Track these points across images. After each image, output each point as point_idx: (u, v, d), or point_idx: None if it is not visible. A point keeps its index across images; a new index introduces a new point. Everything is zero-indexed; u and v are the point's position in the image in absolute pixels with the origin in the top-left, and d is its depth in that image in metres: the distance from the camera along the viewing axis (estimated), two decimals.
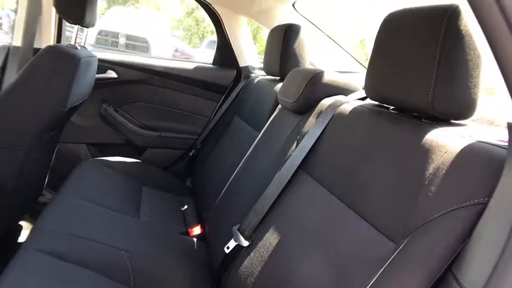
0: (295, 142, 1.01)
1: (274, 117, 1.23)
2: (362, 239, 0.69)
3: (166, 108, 1.96)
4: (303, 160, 0.93)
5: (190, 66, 1.95)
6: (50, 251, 0.93)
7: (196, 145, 1.93)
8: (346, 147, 0.84)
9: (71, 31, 1.55)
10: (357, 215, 0.73)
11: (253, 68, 1.96)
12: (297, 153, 0.96)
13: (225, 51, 1.95)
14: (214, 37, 2.07)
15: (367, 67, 0.81)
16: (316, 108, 1.02)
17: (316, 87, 1.04)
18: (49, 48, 1.10)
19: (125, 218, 1.26)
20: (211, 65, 2.02)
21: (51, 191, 1.90)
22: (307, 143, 0.94)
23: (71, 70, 1.10)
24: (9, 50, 1.62)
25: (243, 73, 1.93)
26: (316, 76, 1.04)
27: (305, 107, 1.05)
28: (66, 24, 1.75)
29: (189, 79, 1.94)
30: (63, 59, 1.11)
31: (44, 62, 1.09)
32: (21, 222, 1.57)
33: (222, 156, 1.60)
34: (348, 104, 0.94)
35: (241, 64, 1.94)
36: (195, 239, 1.34)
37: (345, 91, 1.07)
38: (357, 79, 1.12)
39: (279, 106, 1.26)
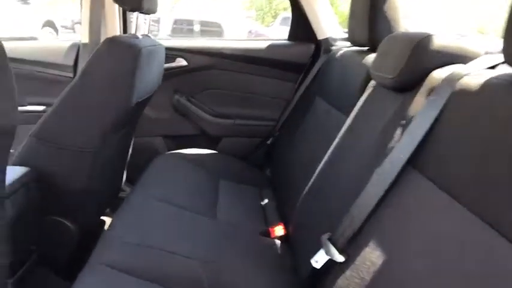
0: (399, 129, 0.79)
1: (366, 97, 1.01)
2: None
3: (239, 93, 1.82)
4: (412, 154, 0.71)
5: (262, 45, 1.78)
6: (118, 265, 0.85)
7: (274, 132, 1.78)
8: (475, 136, 0.61)
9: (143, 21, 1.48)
10: (496, 233, 0.51)
11: (335, 40, 1.72)
12: (403, 144, 0.74)
13: (301, 24, 1.74)
14: (287, 13, 1.87)
15: (506, 23, 0.56)
16: (426, 84, 0.78)
17: (424, 55, 0.80)
18: (107, 41, 1.02)
19: (201, 220, 1.16)
20: (285, 41, 1.83)
21: (130, 185, 1.90)
22: (417, 130, 0.72)
23: (132, 62, 1.01)
24: (79, 48, 1.61)
25: (322, 47, 1.71)
26: (423, 41, 0.80)
27: (410, 82, 0.82)
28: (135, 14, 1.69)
29: (263, 59, 1.77)
30: (122, 51, 1.01)
31: (103, 56, 1.01)
32: (104, 217, 1.58)
33: (304, 144, 1.42)
34: (473, 75, 0.69)
35: (320, 37, 1.72)
36: (277, 242, 1.20)
37: (463, 59, 0.81)
38: (476, 43, 0.85)
39: (372, 83, 1.03)
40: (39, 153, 1.05)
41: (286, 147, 1.58)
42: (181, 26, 7.31)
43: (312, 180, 1.11)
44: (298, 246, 1.08)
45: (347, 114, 1.14)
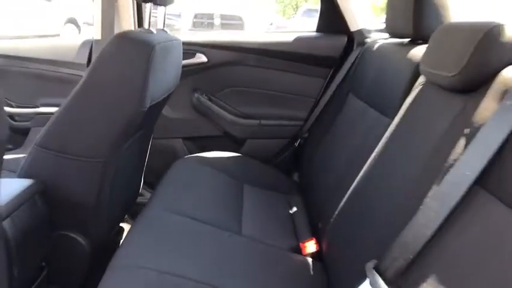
0: (462, 139, 0.66)
1: (415, 98, 0.88)
2: None
3: (264, 91, 1.71)
4: (482, 171, 0.58)
5: (289, 37, 1.66)
6: None
7: (302, 133, 1.66)
8: None
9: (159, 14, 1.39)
10: None
11: (369, 32, 1.58)
12: (469, 158, 0.61)
13: (331, 14, 1.61)
14: (309, 5, 1.74)
15: None
16: (496, 84, 0.65)
17: (493, 49, 0.66)
18: (117, 36, 0.92)
19: (223, 236, 1.06)
20: (314, 33, 1.70)
21: (149, 190, 1.83)
22: (488, 142, 0.59)
23: (145, 60, 0.91)
24: (92, 45, 1.53)
25: (355, 39, 1.57)
26: (492, 32, 0.66)
27: (474, 82, 0.69)
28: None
29: (289, 53, 1.65)
30: (133, 48, 0.91)
31: (111, 55, 0.91)
32: (122, 224, 1.52)
33: (337, 147, 1.30)
34: None
35: (353, 28, 1.58)
36: (309, 259, 1.09)
37: None
38: None
39: (422, 80, 0.90)
40: (45, 164, 0.97)
41: (316, 149, 1.46)
42: (202, 20, 7.22)
43: (349, 191, 0.99)
44: (335, 268, 0.96)
45: (388, 116, 1.02)
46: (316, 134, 1.53)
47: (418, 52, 1.00)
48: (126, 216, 1.64)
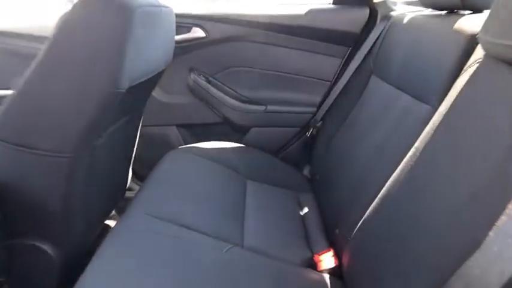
0: None
1: (471, 78, 0.69)
2: None
3: (271, 72, 1.51)
4: None
5: (301, 10, 1.46)
6: None
7: (315, 121, 1.47)
8: None
9: None
10: None
11: (394, 3, 1.39)
12: None
13: None
14: None
15: None
16: None
17: None
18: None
19: (220, 250, 0.88)
20: (330, 6, 1.50)
21: (140, 182, 1.67)
22: None
23: (121, 26, 0.72)
24: None
25: (379, 11, 1.37)
26: None
27: None
28: None
29: (301, 29, 1.45)
30: (107, 11, 0.72)
31: (78, 19, 0.72)
32: (109, 222, 1.37)
33: (357, 140, 1.11)
34: None
35: None
36: (326, 276, 0.91)
37: None
38: None
39: (477, 56, 0.71)
40: (1, 160, 0.80)
41: (332, 141, 1.28)
42: None
43: (381, 194, 0.81)
44: None
45: (430, 103, 0.83)
46: (332, 123, 1.34)
47: (470, 22, 0.81)
48: (114, 212, 1.48)
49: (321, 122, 1.43)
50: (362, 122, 1.14)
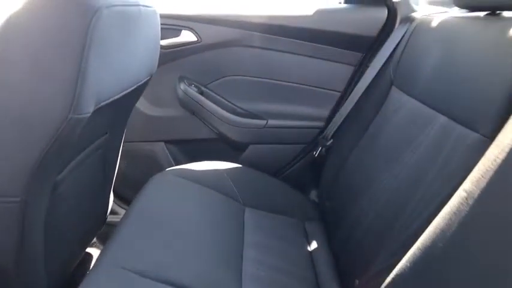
0: None
1: None
2: None
3: (274, 81, 1.36)
4: None
5: (307, 11, 1.31)
6: None
7: (324, 138, 1.31)
8: None
9: None
10: None
11: (416, 3, 1.24)
12: None
13: None
14: None
15: None
16: None
17: None
18: None
19: None
20: (342, 6, 1.34)
21: (124, 205, 1.51)
22: None
23: (79, 31, 0.56)
24: None
25: (398, 12, 1.22)
26: None
27: None
28: None
29: (307, 32, 1.29)
30: (59, 11, 0.56)
31: (21, 22, 0.56)
32: (90, 250, 1.21)
33: (379, 164, 0.95)
34: None
35: None
36: None
37: None
38: None
39: None
40: None
41: (345, 162, 1.12)
42: None
43: (422, 241, 0.65)
44: None
45: (479, 130, 0.68)
46: (345, 141, 1.18)
47: None
48: (94, 240, 1.33)
49: (331, 140, 1.27)
50: (384, 143, 0.98)
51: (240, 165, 1.30)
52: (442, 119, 0.79)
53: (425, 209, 0.69)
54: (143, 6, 0.80)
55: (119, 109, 0.92)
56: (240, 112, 1.37)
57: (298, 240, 1.09)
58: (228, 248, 0.94)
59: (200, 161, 1.27)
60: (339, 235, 1.04)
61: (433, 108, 0.84)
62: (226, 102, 1.38)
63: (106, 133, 0.97)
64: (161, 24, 0.96)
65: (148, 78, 0.97)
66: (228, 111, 1.36)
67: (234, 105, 1.38)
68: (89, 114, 0.62)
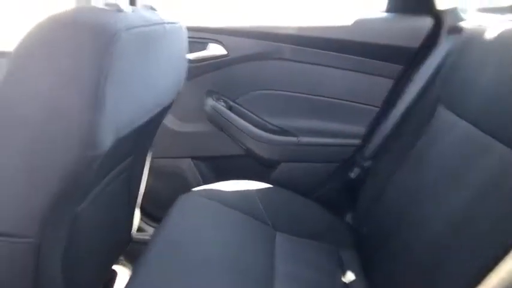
0: None
1: None
2: None
3: (306, 96, 1.29)
4: None
5: (344, 21, 1.23)
6: None
7: (361, 158, 1.23)
8: None
9: None
10: None
11: (464, 10, 1.15)
12: None
13: None
14: None
15: None
16: None
17: None
18: (48, 20, 0.52)
19: None
20: (383, 15, 1.26)
21: (151, 222, 1.48)
22: None
23: (95, 58, 0.51)
24: None
25: (445, 22, 1.13)
26: None
27: None
28: None
29: (343, 43, 1.22)
30: (73, 38, 0.51)
31: (34, 51, 0.52)
32: (115, 267, 1.21)
33: (429, 192, 0.87)
34: None
35: (442, 5, 1.14)
36: None
37: None
38: None
39: None
40: None
41: (386, 186, 1.04)
42: None
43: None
44: None
45: None
46: (385, 162, 1.10)
47: None
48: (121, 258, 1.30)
49: (369, 161, 1.19)
50: (431, 170, 0.89)
51: (270, 185, 1.24)
52: (500, 147, 0.70)
53: (490, 249, 0.61)
54: (168, 23, 0.75)
55: (144, 132, 0.87)
56: (271, 128, 1.31)
57: (333, 270, 1.01)
58: (258, 276, 0.88)
59: (228, 178, 1.22)
60: (378, 266, 0.96)
61: (489, 134, 0.75)
62: (256, 117, 1.32)
63: (130, 155, 0.93)
64: (188, 37, 0.92)
65: (173, 100, 0.92)
66: (257, 127, 1.30)
67: (264, 120, 1.32)
68: (107, 149, 0.58)
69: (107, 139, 0.56)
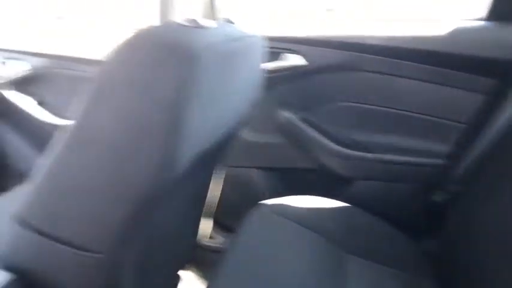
0: None
1: None
2: None
3: (386, 109, 1.21)
4: None
5: (435, 30, 1.14)
6: None
7: (447, 180, 1.13)
8: None
9: None
10: None
11: None
12: None
13: None
14: None
15: None
16: None
17: None
18: (134, 37, 0.52)
19: None
20: (481, 22, 1.15)
21: (220, 231, 1.47)
22: None
23: (176, 79, 0.50)
24: None
25: None
26: None
27: None
28: None
29: (434, 55, 1.12)
30: (156, 59, 0.50)
31: (116, 72, 0.52)
32: (181, 272, 1.20)
33: None
34: None
35: None
36: None
37: None
38: None
39: None
40: (29, 250, 0.63)
41: (476, 213, 0.93)
42: None
43: None
44: None
45: None
46: (477, 187, 0.99)
47: None
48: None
49: (461, 186, 1.08)
50: None
51: (344, 204, 1.17)
52: None
53: None
54: (248, 37, 0.73)
55: (220, 147, 0.87)
56: (346, 143, 1.25)
57: None
58: None
59: (298, 192, 1.18)
60: None
61: None
62: (332, 131, 1.26)
63: (203, 167, 0.93)
64: (265, 46, 0.90)
65: (251, 111, 0.91)
66: (332, 141, 1.25)
67: (340, 134, 1.25)
68: (184, 170, 0.56)
69: (186, 160, 0.55)
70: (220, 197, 1.22)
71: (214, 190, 1.20)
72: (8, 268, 0.64)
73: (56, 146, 0.57)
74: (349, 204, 1.17)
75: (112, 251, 0.58)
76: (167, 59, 0.51)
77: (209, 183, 1.12)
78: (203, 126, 0.60)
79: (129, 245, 0.64)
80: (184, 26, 0.59)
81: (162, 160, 0.52)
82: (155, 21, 1.07)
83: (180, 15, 1.06)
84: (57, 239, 0.61)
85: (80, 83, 1.44)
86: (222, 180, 1.16)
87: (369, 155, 1.22)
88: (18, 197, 1.14)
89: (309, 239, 1.01)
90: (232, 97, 0.73)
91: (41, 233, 0.62)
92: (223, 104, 0.69)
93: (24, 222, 0.63)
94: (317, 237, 1.02)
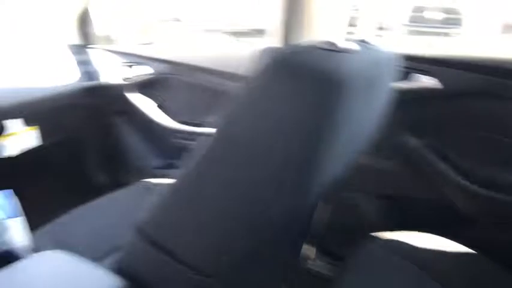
0: None
1: None
2: None
3: None
4: None
5: None
6: None
7: None
8: None
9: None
10: None
11: None
12: None
13: None
14: None
15: None
16: None
17: None
18: (274, 63, 0.49)
19: None
20: None
21: (325, 258, 1.40)
22: None
23: (319, 108, 0.46)
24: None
25: None
26: None
27: None
28: None
29: None
30: (297, 84, 0.47)
31: (260, 90, 0.49)
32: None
33: None
34: None
35: None
36: None
37: None
38: None
39: None
40: (145, 261, 0.64)
41: None
42: (421, 14, 6.29)
43: None
44: None
45: None
46: None
47: None
48: None
49: None
50: None
51: (467, 249, 1.04)
52: None
53: None
54: (388, 58, 0.67)
55: (343, 173, 0.82)
56: (477, 179, 1.11)
57: None
58: None
59: (412, 225, 1.08)
60: None
61: None
62: (461, 163, 1.13)
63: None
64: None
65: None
66: (460, 174, 1.12)
67: (472, 168, 1.12)
68: (314, 200, 0.53)
69: (317, 189, 0.51)
70: (329, 223, 1.17)
71: (322, 213, 1.14)
72: (120, 272, 0.66)
73: (191, 161, 0.56)
74: (473, 251, 1.04)
75: (225, 276, 0.57)
76: (309, 85, 0.47)
77: (317, 204, 1.07)
78: (337, 154, 0.56)
79: (243, 271, 0.62)
80: (330, 50, 0.55)
81: (296, 188, 0.49)
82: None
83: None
84: (173, 255, 0.61)
85: (199, 91, 1.50)
86: (330, 203, 1.10)
87: (502, 196, 1.07)
88: (133, 192, 1.21)
89: (420, 284, 0.92)
90: (365, 122, 0.68)
91: (158, 246, 0.62)
92: (357, 129, 0.64)
93: (143, 232, 0.64)
94: (433, 283, 0.92)
